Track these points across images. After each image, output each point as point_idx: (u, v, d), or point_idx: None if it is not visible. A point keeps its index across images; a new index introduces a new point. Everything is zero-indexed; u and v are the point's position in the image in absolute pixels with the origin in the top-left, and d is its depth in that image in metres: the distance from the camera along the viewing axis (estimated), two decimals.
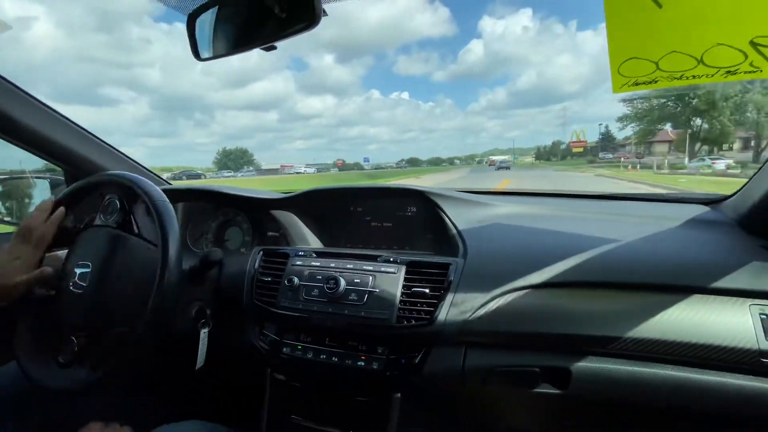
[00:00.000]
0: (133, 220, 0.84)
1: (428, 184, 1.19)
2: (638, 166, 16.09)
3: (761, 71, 0.61)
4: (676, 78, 0.68)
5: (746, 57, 0.60)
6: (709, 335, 0.66)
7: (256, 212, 1.20)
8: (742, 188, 0.90)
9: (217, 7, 0.64)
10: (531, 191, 1.23)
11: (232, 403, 1.10)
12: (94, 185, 0.88)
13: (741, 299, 0.67)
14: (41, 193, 1.35)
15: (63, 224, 0.86)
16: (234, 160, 67.50)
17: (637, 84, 0.71)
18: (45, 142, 1.13)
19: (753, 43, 0.58)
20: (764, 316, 0.65)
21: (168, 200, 0.78)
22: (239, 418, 1.07)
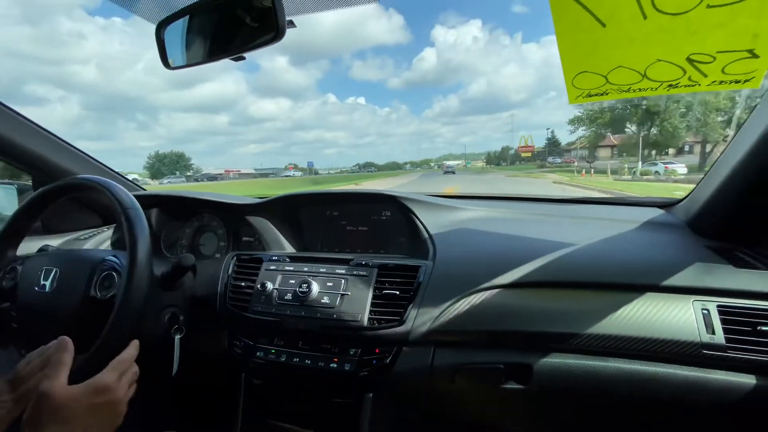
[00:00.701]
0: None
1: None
2: (592, 171, 16.01)
3: (699, 85, 0.67)
4: (624, 91, 0.73)
5: (684, 72, 0.65)
6: (658, 330, 0.70)
7: (231, 217, 1.20)
8: (691, 192, 0.97)
9: (186, 17, 0.66)
10: (499, 195, 1.27)
11: (207, 409, 1.10)
12: (62, 189, 0.88)
13: (686, 296, 0.72)
14: (8, 200, 1.31)
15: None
16: (169, 165, 61.02)
17: (590, 96, 0.76)
18: (10, 146, 1.11)
19: (689, 60, 0.63)
20: (705, 311, 0.70)
21: (138, 205, 0.78)
22: (214, 423, 1.06)
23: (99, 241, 1.27)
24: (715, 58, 0.61)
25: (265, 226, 1.14)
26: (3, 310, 0.85)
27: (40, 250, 0.95)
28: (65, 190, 0.88)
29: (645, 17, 0.57)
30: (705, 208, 0.87)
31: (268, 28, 0.55)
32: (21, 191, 1.35)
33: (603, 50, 0.65)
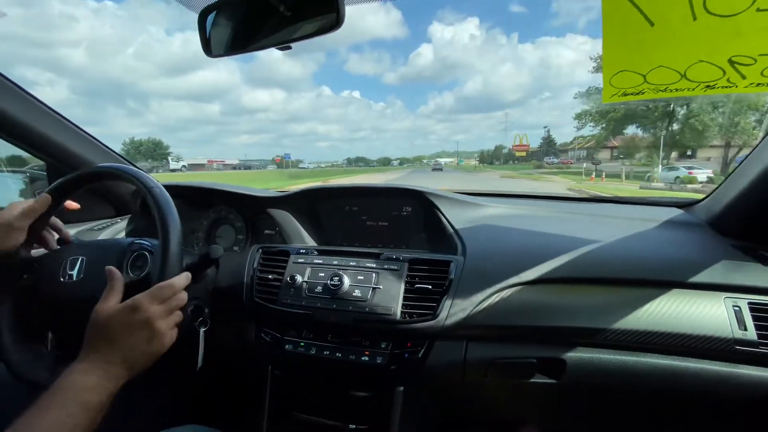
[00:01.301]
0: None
1: None
2: (603, 174, 14.36)
3: (736, 86, 0.68)
4: (660, 90, 0.74)
5: (724, 73, 0.66)
6: (689, 325, 0.72)
7: (250, 210, 1.19)
8: (712, 192, 0.99)
9: (227, 4, 0.65)
10: (519, 193, 1.28)
11: (233, 402, 1.09)
12: (87, 178, 0.86)
13: (716, 293, 0.74)
14: (20, 187, 1.29)
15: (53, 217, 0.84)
16: (145, 153, 57.00)
17: (625, 95, 0.77)
18: (27, 132, 1.08)
19: (731, 61, 0.64)
20: (737, 308, 0.72)
21: (163, 187, 0.78)
22: (240, 416, 1.06)
23: (114, 231, 1.25)
24: (756, 61, 0.62)
25: (286, 219, 1.14)
26: (24, 308, 0.83)
27: (58, 240, 0.94)
28: (90, 177, 0.86)
29: (695, 18, 0.59)
30: (729, 208, 0.89)
31: (325, 14, 0.55)
32: (33, 179, 1.32)
33: (647, 49, 0.66)
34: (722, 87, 0.69)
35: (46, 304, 0.82)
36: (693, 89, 0.72)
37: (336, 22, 0.55)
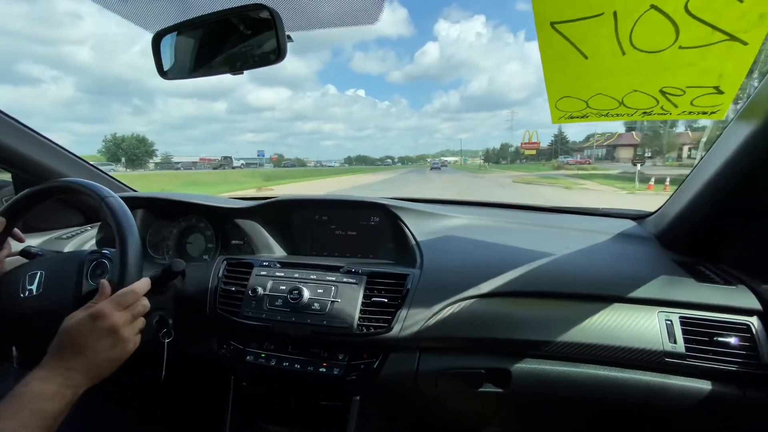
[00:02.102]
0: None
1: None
2: (667, 182, 10.92)
3: (670, 114, 0.73)
4: (603, 115, 0.78)
5: (657, 102, 0.70)
6: (625, 338, 0.76)
7: (219, 220, 1.21)
8: (662, 207, 1.03)
9: (185, 29, 0.66)
10: (483, 202, 1.32)
11: (196, 411, 1.11)
12: (46, 192, 0.87)
13: (651, 307, 0.79)
14: None
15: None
16: (127, 150, 53.45)
17: (571, 117, 0.81)
18: None
19: (662, 92, 0.68)
20: (669, 322, 0.76)
21: (125, 204, 0.79)
22: (203, 425, 1.08)
23: (82, 240, 1.26)
24: (684, 92, 0.66)
25: (254, 229, 1.15)
26: None
27: (23, 251, 0.94)
28: (43, 194, 0.86)
29: (623, 53, 0.62)
30: (673, 223, 0.93)
31: (270, 47, 0.57)
32: None
33: (585, 79, 0.69)
34: (657, 114, 0.74)
35: (8, 320, 0.83)
36: (631, 115, 0.76)
37: (278, 55, 0.57)
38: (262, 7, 0.54)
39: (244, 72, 0.66)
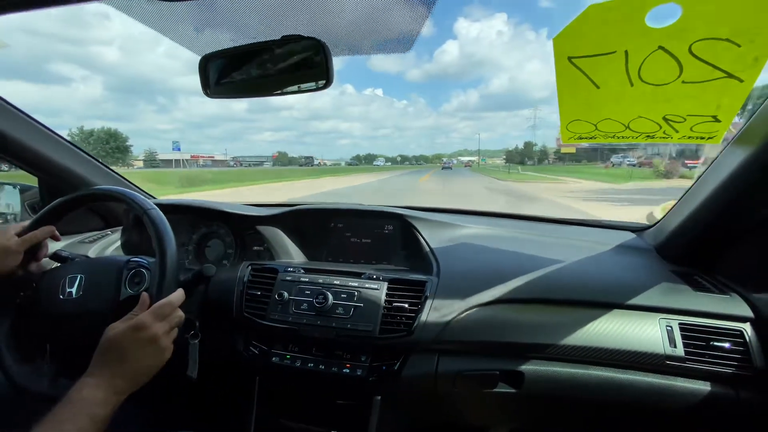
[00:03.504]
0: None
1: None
2: None
3: (671, 138, 0.80)
4: (610, 137, 0.85)
5: (660, 127, 0.77)
6: (628, 342, 0.83)
7: (240, 227, 1.26)
8: (661, 220, 1.11)
9: (230, 55, 0.71)
10: (493, 212, 1.39)
11: (222, 410, 1.15)
12: (89, 197, 0.91)
13: (653, 313, 0.85)
14: (12, 200, 1.31)
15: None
16: (95, 144, 48.38)
17: (580, 138, 0.88)
18: (21, 149, 1.12)
19: (665, 119, 0.75)
20: (669, 328, 0.83)
21: (164, 217, 0.84)
22: (228, 424, 1.12)
23: (105, 244, 1.30)
24: (685, 119, 0.74)
25: (275, 235, 1.21)
26: (24, 325, 0.87)
27: (54, 255, 0.98)
28: (86, 199, 0.91)
29: (632, 84, 0.69)
30: (671, 236, 1.01)
31: (317, 75, 0.62)
32: (22, 190, 1.35)
33: (595, 105, 0.76)
34: (660, 138, 0.81)
35: (46, 320, 0.87)
36: (636, 138, 0.84)
37: (326, 83, 0.62)
38: (310, 38, 0.60)
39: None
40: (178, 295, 0.77)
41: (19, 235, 0.85)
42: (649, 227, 1.17)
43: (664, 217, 1.09)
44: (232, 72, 0.73)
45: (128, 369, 0.66)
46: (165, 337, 0.71)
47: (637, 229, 1.20)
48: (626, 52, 0.64)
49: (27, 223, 0.88)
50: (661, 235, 1.05)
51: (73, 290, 0.88)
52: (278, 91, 0.69)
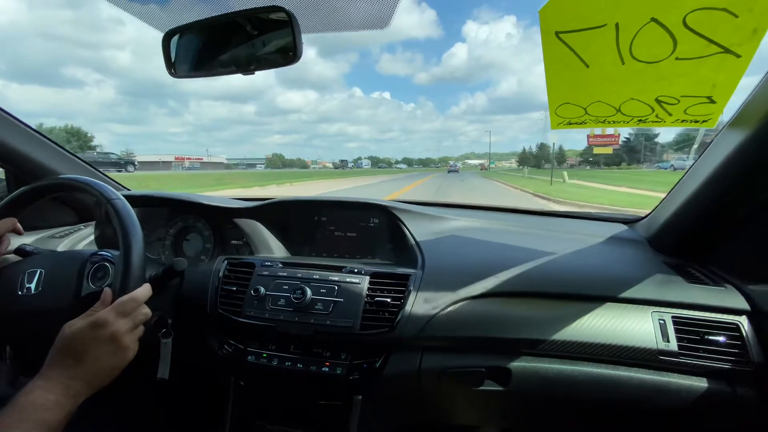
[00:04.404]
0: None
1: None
2: None
3: (664, 122, 0.76)
4: (600, 121, 0.81)
5: (653, 110, 0.74)
6: (619, 337, 0.79)
7: (218, 220, 1.20)
8: (653, 211, 1.07)
9: (196, 29, 0.67)
10: (479, 205, 1.35)
11: (196, 411, 1.10)
12: (50, 188, 0.85)
13: (645, 306, 0.82)
14: None
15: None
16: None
17: (570, 123, 0.84)
18: None
19: (657, 101, 0.71)
20: (662, 321, 0.79)
21: (131, 208, 0.78)
22: (203, 425, 1.07)
23: (77, 239, 1.24)
24: (679, 101, 0.70)
25: (254, 229, 1.15)
26: None
27: (18, 249, 0.93)
28: (48, 189, 0.86)
29: (623, 62, 0.65)
30: (664, 227, 0.97)
31: (285, 48, 0.57)
32: None
33: (584, 87, 0.72)
34: (652, 122, 0.77)
35: (3, 317, 0.81)
36: (627, 122, 0.80)
37: (293, 56, 0.58)
38: (278, 8, 0.56)
39: (256, 72, 0.67)
40: (144, 290, 0.71)
41: None
42: (641, 219, 1.14)
43: (656, 207, 1.06)
44: (197, 48, 0.68)
45: (85, 370, 0.60)
46: (127, 335, 0.65)
47: (629, 221, 1.17)
48: (617, 25, 0.60)
49: None
50: (654, 227, 1.02)
51: (32, 285, 0.82)
52: (246, 68, 0.64)
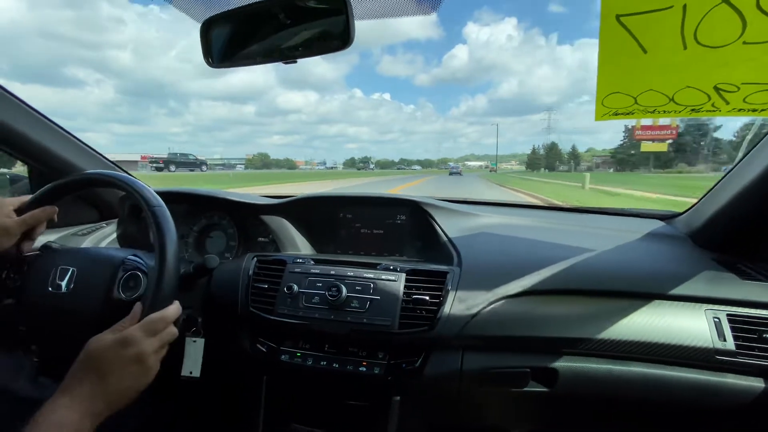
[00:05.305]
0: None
1: None
2: None
3: (720, 111, 0.73)
4: (649, 112, 0.78)
5: (709, 98, 0.70)
6: (671, 335, 0.76)
7: (243, 217, 1.18)
8: (693, 206, 1.04)
9: (236, 16, 0.64)
10: (512, 203, 1.32)
11: (227, 412, 1.08)
12: (86, 182, 0.83)
13: (697, 304, 0.78)
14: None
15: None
16: None
17: (616, 114, 0.80)
18: (11, 135, 1.04)
19: (716, 88, 0.68)
20: (716, 319, 0.76)
21: (163, 203, 0.76)
22: (235, 426, 1.05)
23: (100, 236, 1.22)
24: (739, 88, 0.66)
25: (281, 226, 1.13)
26: (7, 311, 0.80)
27: (44, 247, 0.91)
28: (89, 182, 0.83)
29: (685, 47, 0.62)
30: (709, 222, 0.94)
31: (335, 33, 0.55)
32: (13, 181, 1.27)
33: (638, 74, 0.69)
34: (707, 111, 0.73)
35: (30, 311, 0.80)
36: (679, 111, 0.76)
37: (344, 42, 0.55)
38: None
39: (296, 61, 0.64)
40: (174, 308, 0.69)
41: (18, 212, 0.77)
42: (678, 215, 1.11)
43: (697, 202, 1.02)
44: (239, 36, 0.65)
45: (108, 389, 0.58)
46: (153, 356, 0.63)
47: (666, 217, 1.13)
48: (684, 7, 0.57)
49: (26, 198, 0.80)
50: (697, 222, 0.98)
51: (63, 284, 0.80)
52: (290, 55, 0.61)
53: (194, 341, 0.86)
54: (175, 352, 0.82)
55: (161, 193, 1.19)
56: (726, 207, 0.87)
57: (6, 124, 1.00)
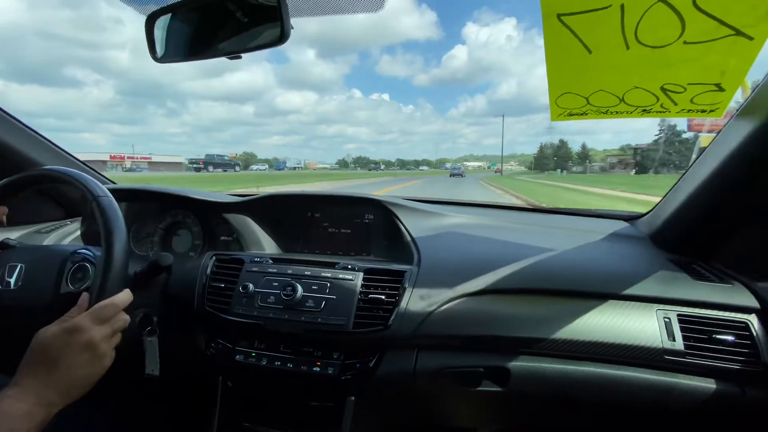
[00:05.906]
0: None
1: None
2: None
3: (669, 111, 0.73)
4: (602, 112, 0.78)
5: (658, 99, 0.70)
6: (623, 336, 0.76)
7: (207, 215, 1.17)
8: (654, 208, 1.04)
9: (181, 10, 0.63)
10: (477, 203, 1.31)
11: (182, 412, 1.06)
12: (29, 181, 0.82)
13: (649, 304, 0.78)
14: None
15: None
16: None
17: (571, 114, 0.80)
18: None
19: (663, 89, 0.68)
20: (667, 320, 0.76)
21: (110, 194, 0.75)
22: (189, 426, 1.03)
23: (63, 234, 1.20)
24: (685, 89, 0.67)
25: (245, 224, 1.12)
26: None
27: (1, 244, 0.89)
28: (33, 180, 0.82)
29: (628, 47, 0.62)
30: (666, 223, 0.94)
31: (272, 29, 0.54)
32: None
33: (587, 74, 0.69)
34: (657, 111, 0.74)
35: None
36: (631, 112, 0.76)
37: (280, 37, 0.55)
38: None
39: (241, 56, 0.63)
40: (124, 296, 0.68)
41: None
42: (642, 215, 1.11)
43: (658, 203, 1.03)
44: (181, 31, 0.64)
45: (60, 378, 0.57)
46: (104, 342, 0.62)
47: (630, 218, 1.14)
48: (622, 6, 0.57)
49: None
50: (656, 223, 0.99)
51: (12, 281, 0.79)
52: (233, 51, 0.61)
53: (150, 340, 0.85)
54: (137, 350, 0.82)
55: (124, 190, 1.18)
56: (681, 208, 0.88)
57: None
